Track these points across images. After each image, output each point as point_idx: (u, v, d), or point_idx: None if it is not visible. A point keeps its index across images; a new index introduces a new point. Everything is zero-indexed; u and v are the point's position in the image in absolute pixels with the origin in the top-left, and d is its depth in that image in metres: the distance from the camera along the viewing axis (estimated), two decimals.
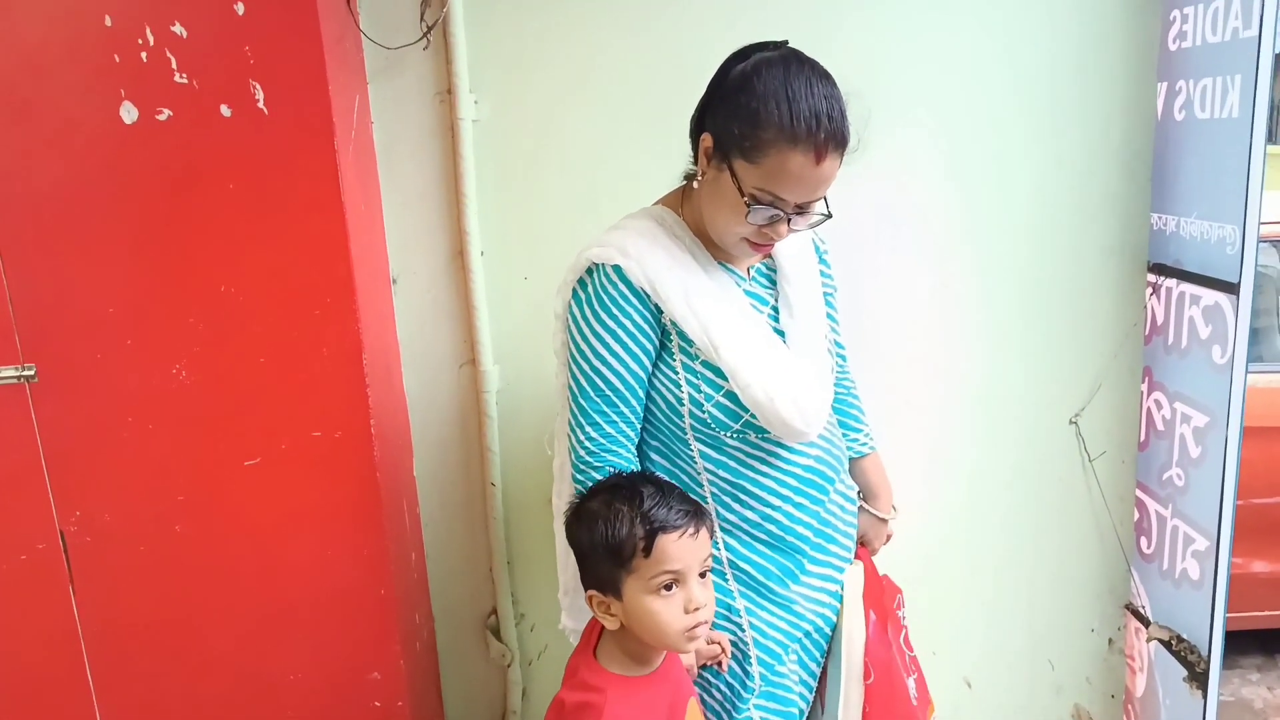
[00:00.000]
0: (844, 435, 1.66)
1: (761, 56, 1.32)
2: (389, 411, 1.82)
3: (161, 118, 1.52)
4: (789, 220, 1.35)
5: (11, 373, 1.58)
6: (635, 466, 1.44)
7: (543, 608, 2.10)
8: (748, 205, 1.32)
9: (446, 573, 2.07)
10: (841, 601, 1.60)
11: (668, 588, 1.27)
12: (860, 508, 1.66)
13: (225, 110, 1.52)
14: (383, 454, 1.71)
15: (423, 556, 2.02)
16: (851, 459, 1.67)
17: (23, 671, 1.70)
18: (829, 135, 1.28)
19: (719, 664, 1.48)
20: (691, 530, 1.28)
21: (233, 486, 1.66)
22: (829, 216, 1.39)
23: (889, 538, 1.73)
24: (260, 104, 1.52)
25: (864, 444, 1.71)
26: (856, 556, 1.65)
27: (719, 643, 1.47)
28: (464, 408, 1.99)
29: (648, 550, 1.26)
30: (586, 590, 1.33)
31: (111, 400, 1.61)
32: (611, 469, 1.41)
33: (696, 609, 1.28)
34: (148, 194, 1.54)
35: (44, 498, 1.63)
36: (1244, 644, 3.51)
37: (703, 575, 1.31)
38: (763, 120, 1.28)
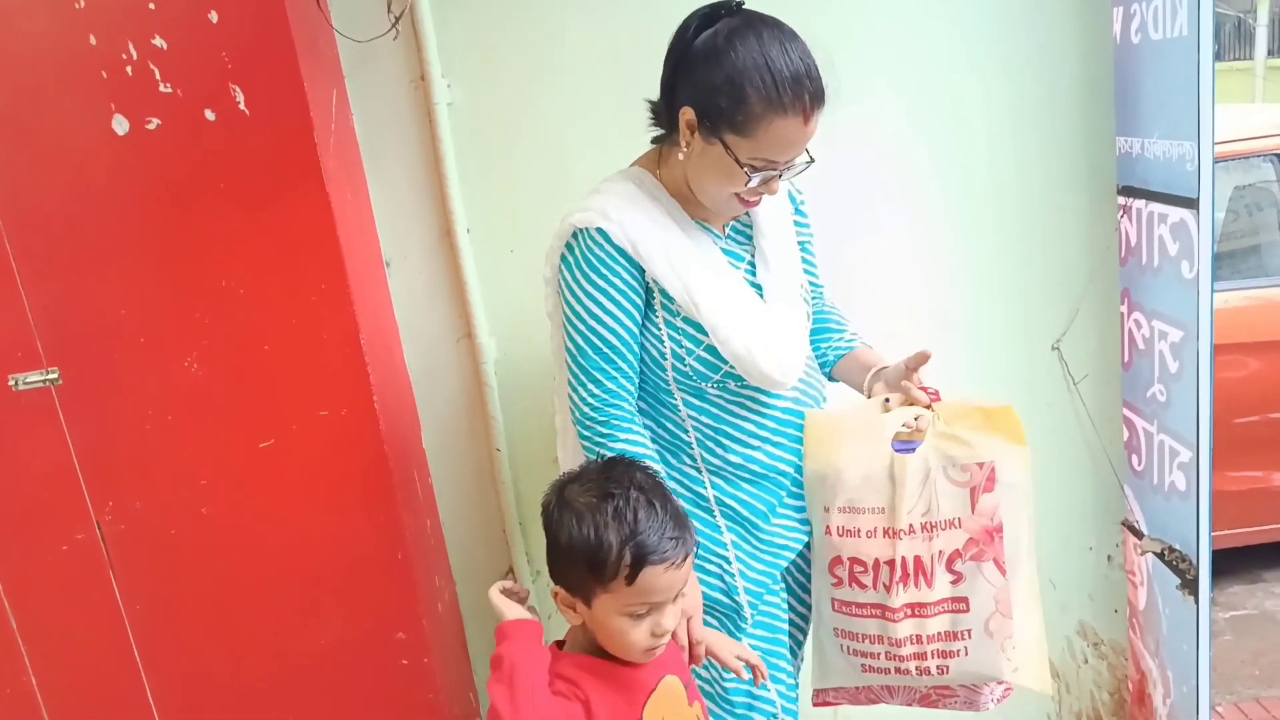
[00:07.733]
0: (832, 339, 1.70)
1: (728, 24, 1.36)
2: (392, 388, 1.92)
3: (151, 127, 1.61)
4: (780, 174, 1.42)
5: (37, 377, 1.69)
6: (635, 419, 1.50)
7: None
8: (748, 174, 1.38)
9: (463, 537, 2.17)
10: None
11: (643, 614, 1.22)
12: (879, 370, 1.61)
13: (209, 114, 1.62)
14: (389, 427, 1.81)
15: (438, 523, 2.12)
16: (849, 353, 1.68)
17: (75, 653, 1.83)
18: (812, 96, 1.34)
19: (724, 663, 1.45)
20: (679, 560, 1.22)
21: (250, 468, 1.77)
22: (812, 161, 1.44)
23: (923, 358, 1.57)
24: (241, 105, 1.61)
25: (852, 339, 1.70)
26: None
27: (745, 659, 1.44)
28: (465, 379, 2.08)
29: (631, 579, 1.19)
30: (554, 584, 1.28)
31: (131, 396, 1.72)
32: (615, 422, 1.46)
33: (663, 634, 1.24)
34: (145, 200, 1.64)
35: (78, 491, 1.75)
36: (1267, 557, 3.52)
37: (674, 599, 1.25)
38: (749, 95, 1.33)
